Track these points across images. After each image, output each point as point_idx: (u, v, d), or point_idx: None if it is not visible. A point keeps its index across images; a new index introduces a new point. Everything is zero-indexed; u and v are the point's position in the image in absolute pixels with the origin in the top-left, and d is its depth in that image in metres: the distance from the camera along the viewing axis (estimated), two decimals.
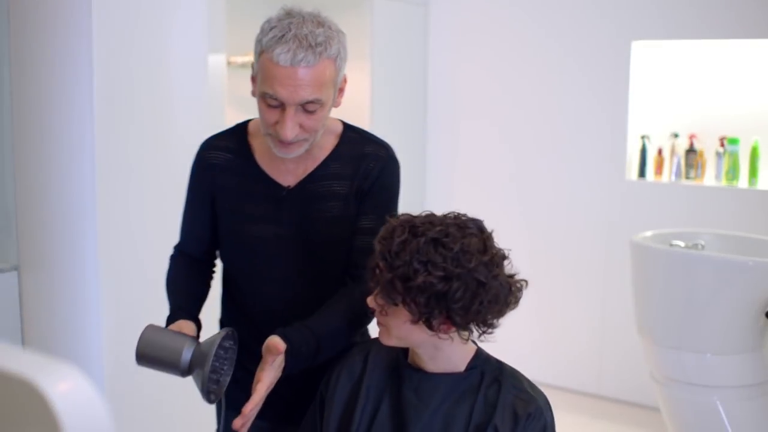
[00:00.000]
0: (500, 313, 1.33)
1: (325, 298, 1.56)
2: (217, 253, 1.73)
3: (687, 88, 3.77)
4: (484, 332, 1.34)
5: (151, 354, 1.42)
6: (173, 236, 2.54)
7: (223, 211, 1.62)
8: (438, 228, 1.29)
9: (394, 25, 4.02)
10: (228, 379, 1.45)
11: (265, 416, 1.48)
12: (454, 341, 1.34)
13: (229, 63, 3.48)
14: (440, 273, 1.25)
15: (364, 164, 1.59)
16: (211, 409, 2.72)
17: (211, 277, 1.76)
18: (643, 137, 3.82)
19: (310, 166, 1.58)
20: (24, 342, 2.39)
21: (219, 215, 1.63)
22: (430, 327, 1.29)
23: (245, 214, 1.59)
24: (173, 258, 1.75)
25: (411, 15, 4.16)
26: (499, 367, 1.40)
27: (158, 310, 2.49)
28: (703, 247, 2.85)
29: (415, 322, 1.29)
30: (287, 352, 1.40)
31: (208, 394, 1.39)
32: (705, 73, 3.73)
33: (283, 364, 1.41)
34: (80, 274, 2.30)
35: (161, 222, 2.50)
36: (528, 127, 4.03)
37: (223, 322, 1.75)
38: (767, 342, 2.61)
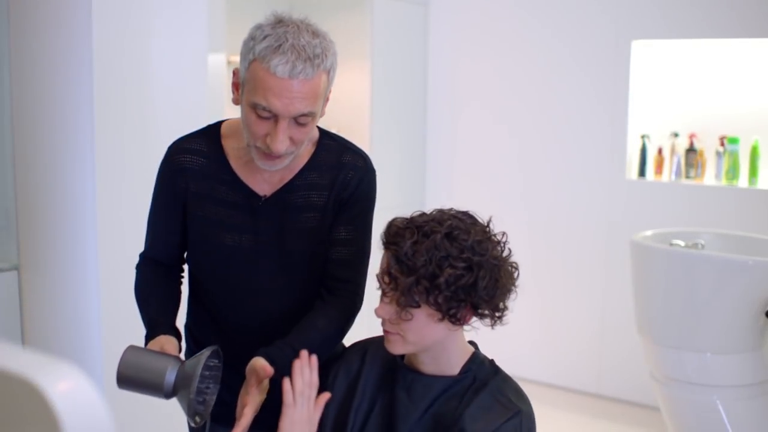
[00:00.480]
0: (510, 293, 1.35)
1: (301, 309, 1.53)
2: (185, 256, 1.67)
3: (687, 88, 3.77)
4: (500, 317, 1.35)
5: (133, 377, 1.35)
6: None
7: (195, 217, 1.55)
8: (446, 223, 1.30)
9: (394, 24, 4.02)
10: (214, 398, 1.41)
11: (261, 425, 1.44)
12: (458, 337, 1.36)
13: (229, 62, 3.48)
14: (463, 264, 1.27)
15: (342, 174, 1.54)
16: None
17: (181, 283, 1.70)
18: (643, 136, 3.82)
19: (287, 175, 1.53)
20: (24, 341, 2.39)
21: (190, 221, 1.56)
22: (454, 321, 1.31)
23: (219, 222, 1.53)
24: (140, 266, 1.67)
25: (411, 14, 4.16)
26: (494, 371, 1.40)
27: None
28: (703, 246, 2.85)
29: (441, 319, 1.30)
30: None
31: (194, 416, 1.34)
32: (705, 72, 3.73)
33: (267, 387, 1.38)
34: (80, 274, 2.30)
35: None
36: (528, 127, 4.03)
37: (190, 328, 1.69)
38: (767, 341, 2.61)
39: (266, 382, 1.38)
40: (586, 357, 3.94)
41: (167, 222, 1.60)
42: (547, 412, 3.70)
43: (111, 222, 2.32)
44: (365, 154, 1.60)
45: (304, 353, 1.35)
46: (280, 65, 1.34)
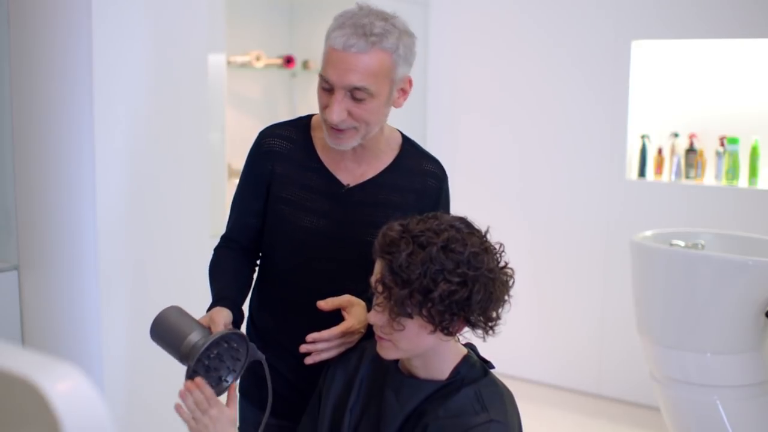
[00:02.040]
0: (504, 303, 1.34)
1: (360, 298, 1.58)
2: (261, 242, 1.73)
3: (687, 88, 3.78)
4: (492, 327, 1.33)
5: (160, 332, 1.43)
6: (173, 235, 2.55)
7: (278, 198, 1.61)
8: (443, 235, 1.28)
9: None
10: (230, 381, 1.44)
11: (273, 413, 1.51)
12: (450, 343, 1.35)
13: (229, 62, 3.49)
14: (457, 279, 1.25)
15: (427, 182, 1.64)
16: None
17: (254, 269, 1.74)
18: (643, 137, 3.82)
19: (369, 170, 1.61)
20: (24, 341, 2.40)
21: (272, 202, 1.62)
22: (447, 333, 1.29)
23: (300, 204, 1.60)
24: (219, 248, 1.73)
25: (411, 14, 4.14)
26: (483, 375, 1.38)
27: (158, 308, 2.49)
28: (703, 246, 2.85)
29: (433, 331, 1.28)
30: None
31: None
32: (705, 72, 3.73)
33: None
34: (80, 274, 2.30)
35: (161, 221, 2.50)
36: (528, 127, 4.03)
37: (252, 316, 1.74)
38: (767, 342, 2.61)
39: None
40: (586, 357, 3.94)
41: (249, 204, 1.66)
42: (546, 412, 3.70)
43: (111, 222, 2.32)
44: (440, 162, 1.70)
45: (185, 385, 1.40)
46: (337, 38, 1.45)
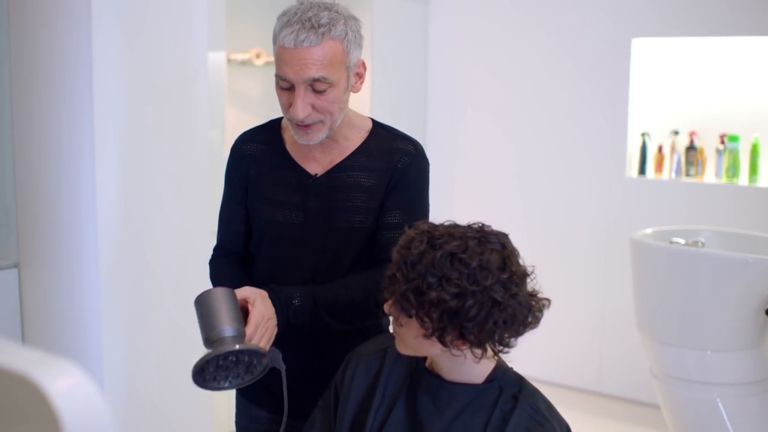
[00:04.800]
0: (517, 333, 1.28)
1: None
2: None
3: (687, 86, 3.77)
4: (499, 351, 1.29)
5: (201, 308, 1.44)
6: (173, 233, 2.55)
7: (254, 197, 1.66)
8: (457, 242, 1.23)
9: (395, 23, 4.02)
10: (227, 387, 1.44)
11: (275, 409, 1.52)
12: (468, 358, 1.30)
13: (229, 60, 3.48)
14: (454, 290, 1.21)
15: (394, 159, 1.62)
16: (208, 408, 2.72)
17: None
18: (643, 134, 3.82)
19: (338, 157, 1.63)
20: (24, 339, 2.40)
21: (250, 201, 1.68)
22: (443, 343, 1.25)
23: (273, 199, 1.64)
24: (214, 260, 1.75)
25: (411, 13, 4.16)
26: (519, 383, 1.36)
27: (158, 306, 2.49)
28: (703, 244, 2.85)
29: (427, 336, 1.25)
30: (272, 297, 1.50)
31: (196, 375, 1.39)
32: (705, 70, 3.73)
33: (270, 306, 1.49)
34: (80, 272, 2.30)
35: (161, 219, 2.50)
36: (528, 125, 4.03)
37: None
38: (767, 339, 2.61)
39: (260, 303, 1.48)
40: (586, 354, 3.94)
41: (235, 211, 1.71)
42: None
43: (111, 219, 2.32)
44: (417, 141, 1.68)
45: None
46: (287, 36, 1.47)
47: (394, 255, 1.30)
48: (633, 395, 3.78)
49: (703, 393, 2.59)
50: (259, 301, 1.48)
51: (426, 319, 1.23)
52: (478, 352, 1.28)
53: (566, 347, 3.98)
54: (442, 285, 1.21)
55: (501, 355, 1.33)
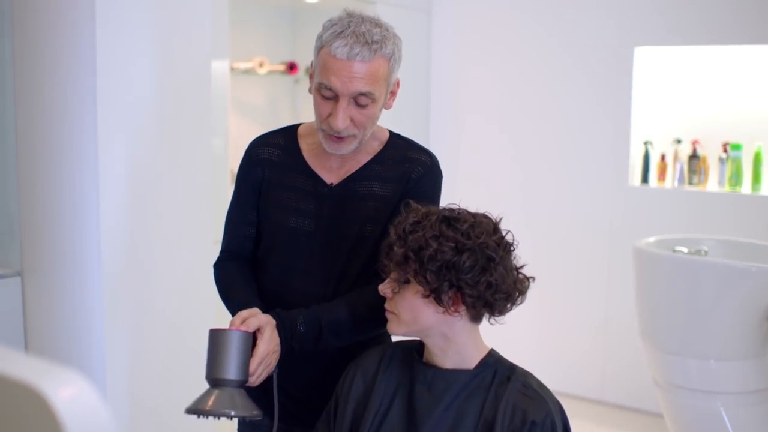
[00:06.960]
0: (508, 299, 1.36)
1: None
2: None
3: (690, 94, 3.78)
4: (489, 309, 1.36)
5: (214, 343, 1.44)
6: (176, 241, 2.55)
7: (267, 201, 1.66)
8: (448, 212, 1.38)
9: (398, 31, 4.02)
10: (210, 417, 1.44)
11: (279, 417, 1.53)
12: (464, 332, 1.37)
13: (232, 69, 3.49)
14: (451, 243, 1.31)
15: (409, 169, 1.64)
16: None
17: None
18: (646, 143, 3.82)
19: (353, 166, 1.63)
20: (27, 347, 2.40)
21: (262, 205, 1.67)
22: (439, 302, 1.32)
23: (287, 205, 1.63)
24: (220, 263, 1.73)
25: (414, 21, 4.17)
26: (512, 368, 1.42)
27: (161, 314, 2.49)
28: (706, 253, 2.85)
29: (426, 295, 1.33)
30: (279, 327, 1.49)
31: (192, 412, 1.40)
32: (708, 78, 3.73)
33: (276, 339, 1.48)
34: (83, 280, 2.30)
35: (164, 228, 2.50)
36: (531, 133, 4.03)
37: None
38: None
39: (269, 333, 1.48)
40: (589, 363, 3.93)
41: (246, 214, 1.70)
42: None
43: (114, 228, 2.33)
44: (432, 153, 1.71)
45: None
46: (339, 47, 1.48)
47: (390, 231, 1.39)
48: (636, 404, 3.77)
49: (706, 402, 2.59)
50: (268, 332, 1.47)
51: (424, 276, 1.31)
52: (474, 312, 1.36)
53: (569, 356, 3.98)
54: (439, 241, 1.32)
55: (496, 350, 1.43)
